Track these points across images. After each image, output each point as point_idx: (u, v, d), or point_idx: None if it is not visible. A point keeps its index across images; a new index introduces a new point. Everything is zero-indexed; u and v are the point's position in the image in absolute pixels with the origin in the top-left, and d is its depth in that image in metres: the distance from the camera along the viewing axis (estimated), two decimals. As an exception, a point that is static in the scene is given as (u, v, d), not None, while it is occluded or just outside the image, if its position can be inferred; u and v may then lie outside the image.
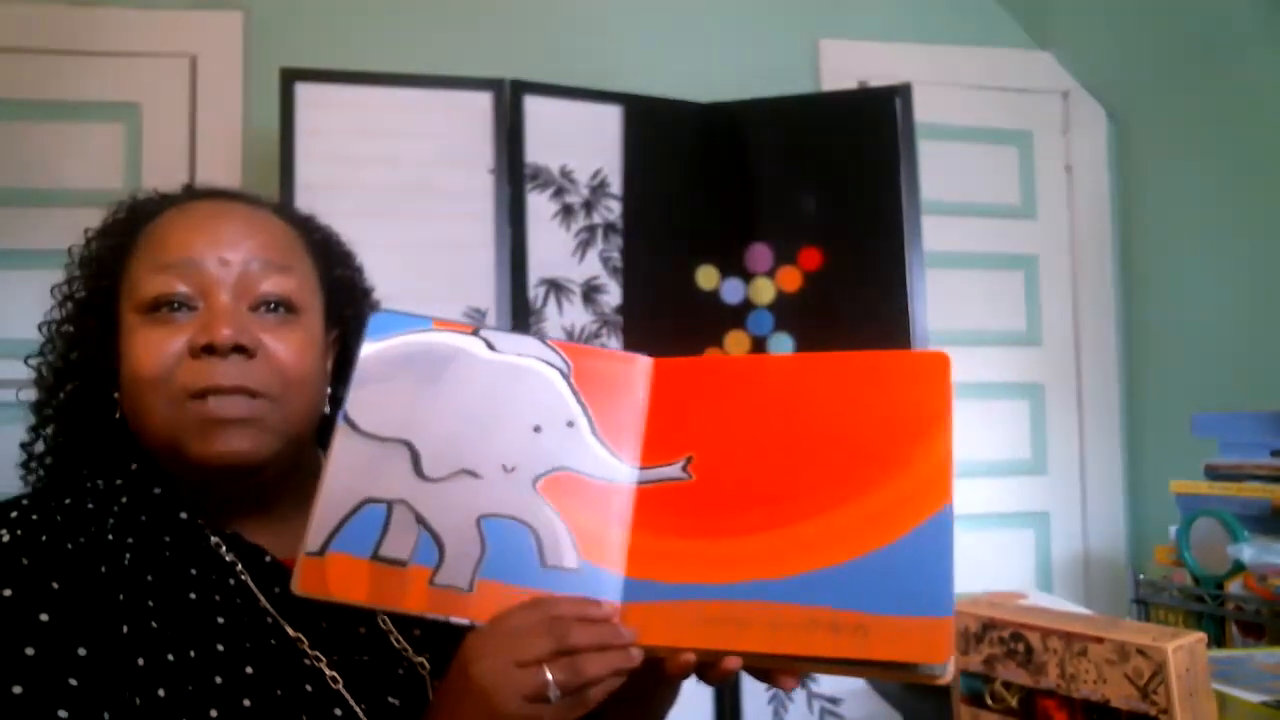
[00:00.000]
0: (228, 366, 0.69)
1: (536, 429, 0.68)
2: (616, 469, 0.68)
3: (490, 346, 0.70)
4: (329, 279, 0.81)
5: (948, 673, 0.59)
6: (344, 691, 0.69)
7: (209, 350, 0.69)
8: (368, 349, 0.69)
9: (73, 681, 0.59)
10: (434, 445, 0.67)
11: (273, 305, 0.73)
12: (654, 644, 0.62)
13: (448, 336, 0.70)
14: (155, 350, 0.70)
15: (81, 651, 0.61)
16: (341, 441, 0.67)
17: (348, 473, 0.66)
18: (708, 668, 0.63)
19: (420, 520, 0.65)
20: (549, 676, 0.58)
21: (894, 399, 0.66)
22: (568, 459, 0.67)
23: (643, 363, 0.72)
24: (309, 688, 0.68)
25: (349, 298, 0.83)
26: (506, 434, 0.67)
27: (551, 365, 0.70)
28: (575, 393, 0.69)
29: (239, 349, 0.69)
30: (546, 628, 0.60)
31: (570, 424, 0.68)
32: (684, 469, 0.67)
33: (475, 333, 0.71)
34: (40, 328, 0.79)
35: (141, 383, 0.70)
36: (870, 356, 0.69)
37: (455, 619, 0.63)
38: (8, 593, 0.61)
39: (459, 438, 0.67)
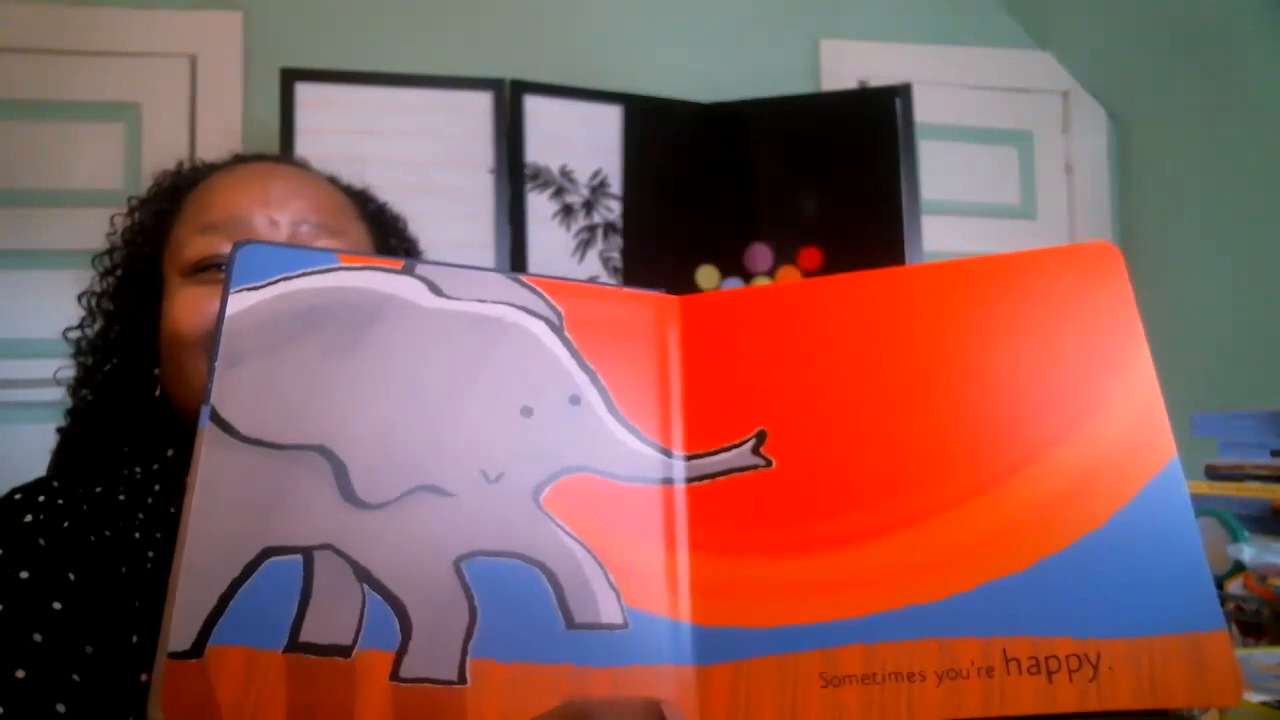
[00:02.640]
0: None
1: (526, 411, 0.46)
2: (653, 461, 0.46)
3: (435, 290, 0.47)
4: (384, 249, 0.78)
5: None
6: None
7: None
8: (238, 302, 0.45)
9: (75, 678, 0.57)
10: (368, 451, 0.43)
11: None
12: None
13: (367, 277, 0.46)
14: (196, 308, 0.65)
15: (89, 650, 0.59)
16: (212, 455, 0.42)
17: (229, 507, 0.41)
18: None
19: (363, 575, 0.41)
20: None
21: (1052, 314, 0.46)
22: (580, 453, 0.46)
23: (665, 303, 0.51)
24: None
25: None
26: (480, 424, 0.45)
27: (533, 314, 0.48)
28: (575, 353, 0.48)
29: None
30: None
31: (575, 399, 0.47)
32: (756, 450, 0.46)
33: (409, 270, 0.47)
34: (79, 299, 0.75)
35: (181, 342, 0.65)
36: (1004, 260, 0.48)
37: None
38: (24, 575, 0.59)
39: (406, 436, 0.44)
